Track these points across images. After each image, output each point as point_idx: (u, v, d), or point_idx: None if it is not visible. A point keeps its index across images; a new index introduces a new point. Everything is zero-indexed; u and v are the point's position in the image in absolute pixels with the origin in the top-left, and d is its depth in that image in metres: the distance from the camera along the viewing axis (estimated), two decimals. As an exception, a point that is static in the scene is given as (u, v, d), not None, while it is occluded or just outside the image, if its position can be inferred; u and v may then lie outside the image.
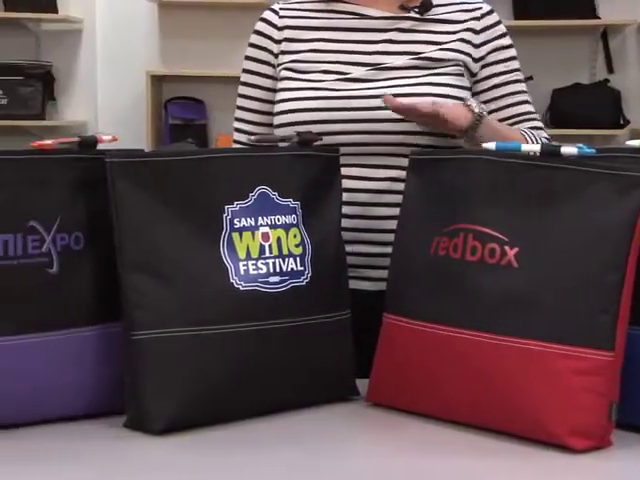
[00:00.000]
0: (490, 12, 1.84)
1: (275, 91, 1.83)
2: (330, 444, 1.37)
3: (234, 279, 1.43)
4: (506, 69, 1.82)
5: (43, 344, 1.39)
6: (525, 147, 1.44)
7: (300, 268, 1.49)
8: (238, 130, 1.88)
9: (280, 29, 1.85)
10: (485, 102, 1.80)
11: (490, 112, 1.79)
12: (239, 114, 1.89)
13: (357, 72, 1.78)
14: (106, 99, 5.26)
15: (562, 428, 1.32)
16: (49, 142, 1.43)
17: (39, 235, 1.39)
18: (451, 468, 1.30)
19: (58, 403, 1.41)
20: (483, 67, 1.81)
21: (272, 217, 1.48)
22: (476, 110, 1.68)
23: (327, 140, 1.64)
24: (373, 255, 1.76)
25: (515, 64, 1.85)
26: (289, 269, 1.48)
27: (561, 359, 1.33)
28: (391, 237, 1.72)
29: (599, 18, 5.02)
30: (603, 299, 1.33)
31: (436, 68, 1.78)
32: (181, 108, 5.17)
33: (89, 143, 1.45)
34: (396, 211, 1.74)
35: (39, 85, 5.06)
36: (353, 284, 1.63)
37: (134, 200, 1.39)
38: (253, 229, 1.46)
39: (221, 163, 1.46)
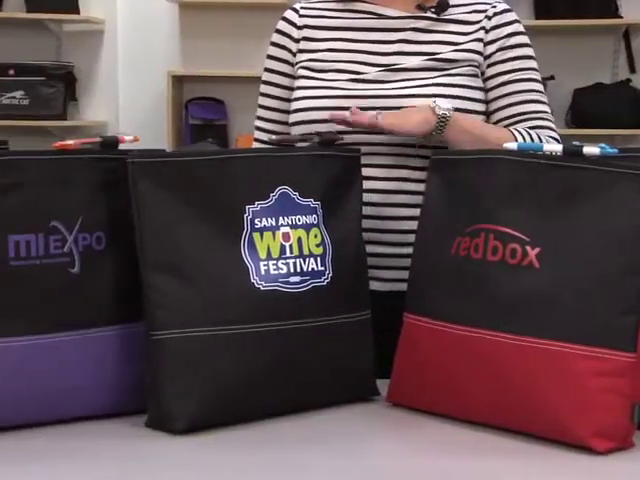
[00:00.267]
0: (503, 11, 1.83)
1: (293, 90, 1.84)
2: (350, 444, 1.37)
3: (255, 279, 1.43)
4: (512, 68, 1.80)
5: (64, 344, 1.39)
6: (547, 147, 1.43)
7: (321, 268, 1.49)
8: (258, 128, 1.90)
9: (299, 28, 1.86)
10: (490, 100, 1.80)
11: (495, 111, 1.79)
12: (260, 112, 1.90)
13: (370, 73, 1.78)
14: (127, 99, 5.27)
15: (584, 429, 1.32)
16: (71, 142, 1.44)
17: (61, 235, 1.39)
18: (470, 468, 1.29)
19: (79, 403, 1.42)
20: (489, 65, 1.80)
21: (293, 217, 1.48)
22: (439, 112, 1.67)
23: None
24: (384, 256, 1.75)
25: (525, 63, 1.82)
26: (310, 269, 1.48)
27: (583, 360, 1.32)
28: (402, 238, 1.72)
29: (621, 17, 4.99)
30: (625, 300, 1.32)
31: (449, 69, 1.77)
32: (201, 108, 5.18)
33: (111, 143, 1.46)
34: (406, 212, 1.74)
35: (61, 86, 5.08)
36: (364, 284, 1.63)
37: (156, 200, 1.40)
38: (274, 229, 1.46)
39: (242, 163, 1.46)
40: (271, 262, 1.45)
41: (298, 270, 1.47)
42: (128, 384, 1.44)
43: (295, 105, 1.82)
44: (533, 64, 1.84)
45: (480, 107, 1.79)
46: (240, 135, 5.04)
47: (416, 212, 1.61)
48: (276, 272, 1.45)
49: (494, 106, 1.81)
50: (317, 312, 1.48)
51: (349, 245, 1.55)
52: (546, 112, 1.83)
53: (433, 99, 1.69)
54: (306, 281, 1.47)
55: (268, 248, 1.46)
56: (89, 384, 1.42)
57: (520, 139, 1.73)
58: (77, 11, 5.10)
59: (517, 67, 1.81)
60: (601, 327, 1.32)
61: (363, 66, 1.79)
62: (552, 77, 4.75)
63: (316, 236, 1.50)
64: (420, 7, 1.82)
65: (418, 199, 1.72)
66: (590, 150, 1.37)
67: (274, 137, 1.73)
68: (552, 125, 1.84)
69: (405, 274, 1.57)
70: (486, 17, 1.81)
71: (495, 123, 1.81)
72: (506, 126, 1.79)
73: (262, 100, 1.89)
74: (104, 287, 1.43)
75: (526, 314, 1.36)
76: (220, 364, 1.40)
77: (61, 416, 1.41)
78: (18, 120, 5.03)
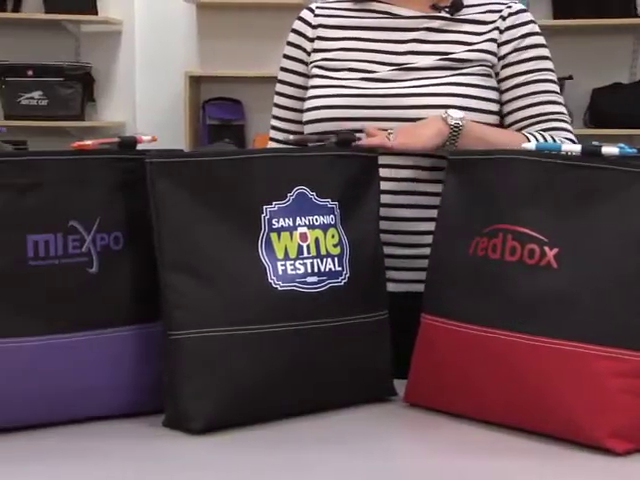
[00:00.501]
0: (518, 12, 1.81)
1: (307, 89, 1.84)
2: (368, 444, 1.37)
3: (272, 279, 1.43)
4: (528, 69, 1.79)
5: (80, 343, 1.39)
6: (565, 147, 1.43)
7: (338, 268, 1.49)
8: (274, 128, 1.90)
9: (314, 27, 1.86)
10: (506, 102, 1.79)
11: (510, 112, 1.78)
12: (275, 112, 1.90)
13: (382, 72, 1.78)
14: (145, 100, 5.28)
15: (601, 430, 1.31)
16: (89, 143, 1.44)
17: (79, 235, 1.40)
18: (486, 468, 1.29)
19: (96, 403, 1.42)
20: (504, 67, 1.79)
21: (310, 217, 1.48)
22: (451, 122, 1.65)
23: None
24: (395, 257, 1.74)
25: (541, 64, 1.81)
26: (327, 269, 1.48)
27: (600, 360, 1.32)
28: (412, 239, 1.72)
29: (639, 17, 4.98)
30: (644, 300, 1.32)
31: (462, 69, 1.77)
32: (219, 109, 5.19)
33: (129, 143, 1.46)
34: (417, 213, 1.73)
35: (79, 86, 5.10)
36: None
37: (174, 200, 1.40)
38: (291, 229, 1.47)
39: (260, 163, 1.47)
40: (288, 262, 1.45)
41: (315, 270, 1.47)
42: (146, 384, 1.44)
43: (308, 104, 1.82)
44: (549, 65, 1.82)
45: (493, 107, 1.78)
46: (258, 135, 5.05)
47: (427, 213, 1.61)
48: (293, 272, 1.45)
49: (510, 107, 1.80)
50: (334, 312, 1.48)
51: (366, 245, 1.55)
52: (562, 113, 1.82)
53: (444, 110, 1.67)
54: (323, 281, 1.47)
55: (285, 248, 1.46)
56: (106, 384, 1.42)
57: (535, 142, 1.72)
58: (95, 12, 5.12)
59: (533, 68, 1.80)
60: (619, 327, 1.32)
61: (376, 65, 1.79)
62: (570, 77, 4.73)
63: (333, 236, 1.50)
64: (435, 7, 1.82)
65: (428, 200, 1.72)
66: (609, 150, 1.37)
67: (292, 137, 1.73)
68: (568, 127, 1.82)
69: (419, 275, 1.57)
70: (501, 17, 1.80)
71: (511, 124, 1.80)
72: (522, 127, 1.79)
73: (277, 99, 1.90)
74: (122, 287, 1.43)
75: (543, 314, 1.36)
76: (237, 364, 1.40)
77: (76, 416, 1.41)
78: (36, 120, 5.06)
